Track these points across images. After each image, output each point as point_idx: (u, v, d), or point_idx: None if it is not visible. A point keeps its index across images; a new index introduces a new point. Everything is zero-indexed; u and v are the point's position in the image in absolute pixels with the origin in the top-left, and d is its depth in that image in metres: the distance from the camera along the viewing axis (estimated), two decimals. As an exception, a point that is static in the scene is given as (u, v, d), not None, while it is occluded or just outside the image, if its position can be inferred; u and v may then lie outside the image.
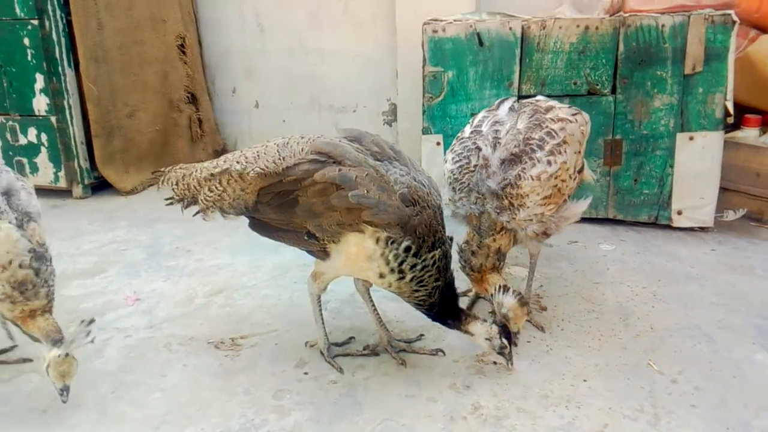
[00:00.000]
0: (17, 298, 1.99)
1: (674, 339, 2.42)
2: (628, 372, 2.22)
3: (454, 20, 3.50)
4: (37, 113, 4.12)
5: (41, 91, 4.06)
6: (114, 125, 4.27)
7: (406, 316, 2.60)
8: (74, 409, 2.08)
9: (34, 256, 2.00)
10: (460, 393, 2.12)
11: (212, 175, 2.16)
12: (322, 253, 2.09)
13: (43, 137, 4.15)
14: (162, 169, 2.35)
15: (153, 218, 3.84)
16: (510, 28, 3.37)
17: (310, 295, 2.31)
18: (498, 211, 2.28)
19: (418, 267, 2.03)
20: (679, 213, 3.43)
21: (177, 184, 2.26)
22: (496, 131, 2.41)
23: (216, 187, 2.15)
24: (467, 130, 2.53)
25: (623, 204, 3.52)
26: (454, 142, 2.53)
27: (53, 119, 4.10)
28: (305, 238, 2.06)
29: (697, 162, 3.34)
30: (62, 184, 4.22)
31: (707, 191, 3.37)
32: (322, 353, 2.32)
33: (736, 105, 3.30)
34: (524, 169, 2.27)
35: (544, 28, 3.34)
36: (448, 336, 2.46)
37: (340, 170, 1.96)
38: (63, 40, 4.01)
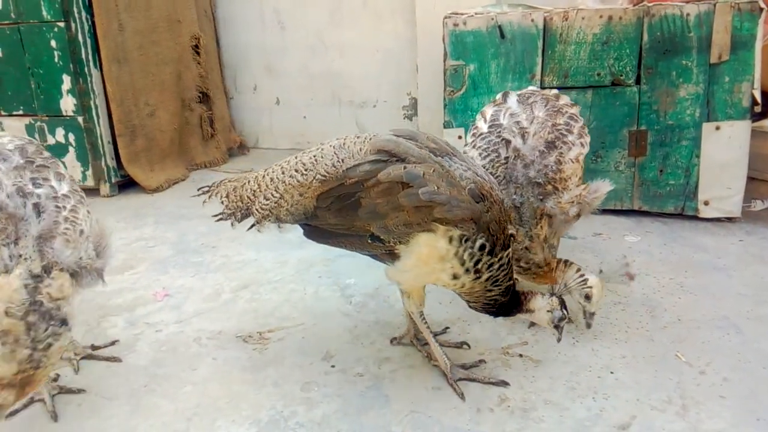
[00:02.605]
0: None
1: (702, 330, 2.40)
2: (656, 363, 2.21)
3: (475, 13, 3.48)
4: (64, 113, 4.20)
5: (68, 91, 4.13)
6: (136, 124, 4.34)
7: (430, 310, 2.60)
8: (108, 401, 2.13)
9: (35, 310, 1.74)
10: (487, 385, 2.13)
11: (269, 183, 2.09)
12: (389, 256, 2.00)
13: (71, 137, 4.23)
14: (208, 186, 2.28)
15: (179, 215, 3.90)
16: (532, 20, 3.35)
17: (411, 314, 2.24)
18: (541, 197, 2.27)
19: (495, 266, 1.96)
20: (706, 203, 3.39)
21: (228, 197, 2.18)
22: (517, 122, 2.42)
23: (272, 195, 2.05)
24: (483, 126, 2.52)
25: (648, 195, 3.48)
26: (472, 139, 2.52)
27: (80, 119, 4.18)
28: (369, 241, 1.97)
29: (724, 152, 3.29)
30: (90, 183, 4.30)
31: (734, 181, 3.32)
32: (445, 374, 2.17)
33: (763, 94, 3.24)
34: (562, 153, 2.32)
35: (566, 19, 3.31)
36: (473, 329, 2.48)
37: (405, 168, 1.87)
38: (89, 41, 4.08)
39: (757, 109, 3.25)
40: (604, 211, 3.50)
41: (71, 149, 4.25)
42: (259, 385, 2.19)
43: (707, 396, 2.03)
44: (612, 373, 2.17)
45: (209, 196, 2.25)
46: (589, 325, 2.31)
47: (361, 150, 1.96)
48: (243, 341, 2.47)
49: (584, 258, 3.05)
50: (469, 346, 2.35)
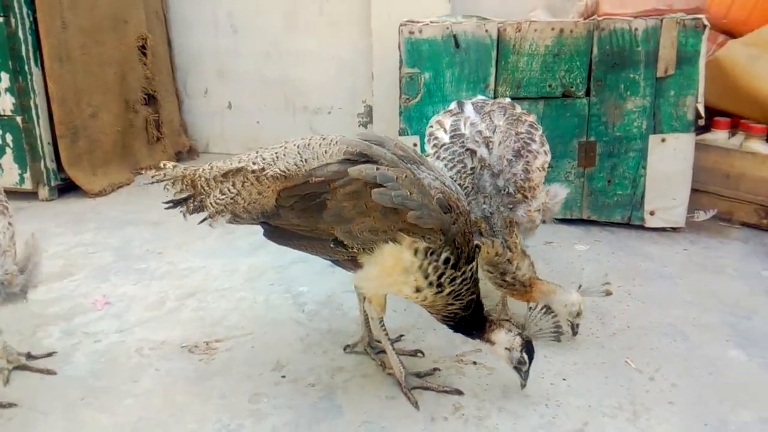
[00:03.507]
0: None
1: (650, 337, 2.45)
2: (607, 370, 2.23)
3: (431, 22, 3.50)
4: (2, 113, 3.98)
5: (6, 90, 3.93)
6: (78, 125, 4.16)
7: (385, 318, 2.57)
8: (41, 416, 2.00)
9: None
10: (441, 393, 2.10)
11: (225, 175, 1.98)
12: (350, 263, 1.93)
13: (8, 138, 4.02)
14: (158, 169, 2.14)
15: (123, 221, 3.74)
16: (486, 31, 3.39)
17: (371, 320, 2.18)
18: (511, 206, 2.27)
19: (458, 280, 1.91)
20: (652, 213, 3.48)
21: (182, 182, 2.07)
22: (479, 132, 2.42)
23: (229, 190, 1.96)
24: (443, 136, 2.48)
25: (597, 205, 3.55)
26: (434, 150, 2.46)
27: (19, 119, 3.98)
28: (331, 245, 1.89)
29: (669, 163, 3.39)
30: (28, 186, 4.09)
31: (679, 192, 3.43)
32: (399, 383, 2.13)
33: (705, 108, 3.35)
34: (528, 162, 2.33)
35: (519, 30, 3.36)
36: (427, 337, 2.45)
37: (378, 169, 1.81)
38: (29, 38, 3.89)
39: (701, 122, 3.36)
40: (555, 221, 3.55)
41: (8, 150, 4.03)
42: (204, 397, 2.10)
43: (656, 402, 2.06)
44: (564, 379, 2.18)
45: (165, 187, 2.11)
46: (575, 333, 2.38)
47: (326, 152, 1.89)
48: (188, 351, 2.37)
49: (536, 266, 3.06)
50: (423, 354, 2.32)
